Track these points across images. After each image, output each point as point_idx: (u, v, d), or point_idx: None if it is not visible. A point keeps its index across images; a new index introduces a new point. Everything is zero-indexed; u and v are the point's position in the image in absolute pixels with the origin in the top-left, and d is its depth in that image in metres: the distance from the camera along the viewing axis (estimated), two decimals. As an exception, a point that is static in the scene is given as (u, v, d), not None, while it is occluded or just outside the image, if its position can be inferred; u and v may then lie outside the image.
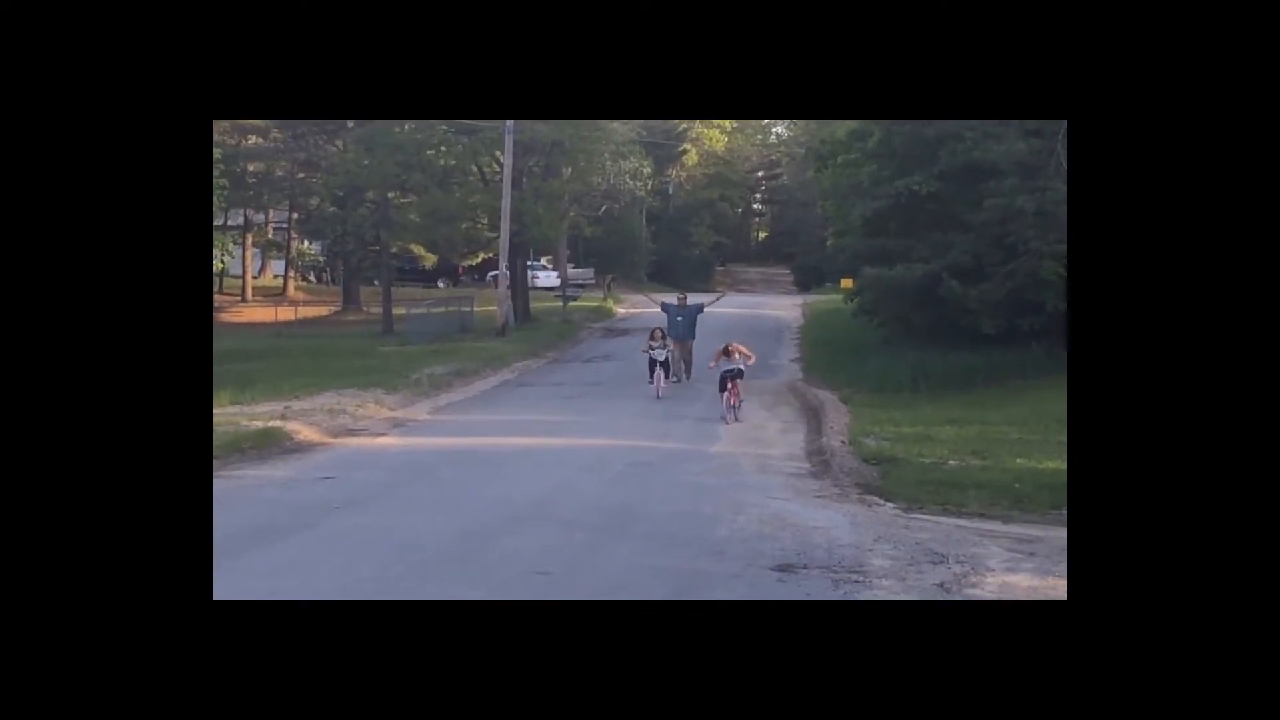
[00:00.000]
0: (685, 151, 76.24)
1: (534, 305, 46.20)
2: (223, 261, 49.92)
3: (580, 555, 9.90)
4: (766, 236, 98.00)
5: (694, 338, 25.80)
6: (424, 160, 43.15)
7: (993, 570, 9.46)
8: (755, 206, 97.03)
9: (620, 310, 49.75)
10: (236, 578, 8.08)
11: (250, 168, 51.30)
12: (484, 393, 25.36)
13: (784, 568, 9.37)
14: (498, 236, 41.27)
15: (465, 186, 45.45)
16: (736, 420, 19.76)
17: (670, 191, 73.40)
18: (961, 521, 11.74)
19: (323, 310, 53.33)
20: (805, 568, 9.39)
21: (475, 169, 45.02)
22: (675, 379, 24.80)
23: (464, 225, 46.88)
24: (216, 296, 49.09)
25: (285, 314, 49.44)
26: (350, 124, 43.26)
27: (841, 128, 31.86)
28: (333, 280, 62.01)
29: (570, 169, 44.92)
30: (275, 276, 62.86)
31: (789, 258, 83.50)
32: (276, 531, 10.49)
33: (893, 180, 27.19)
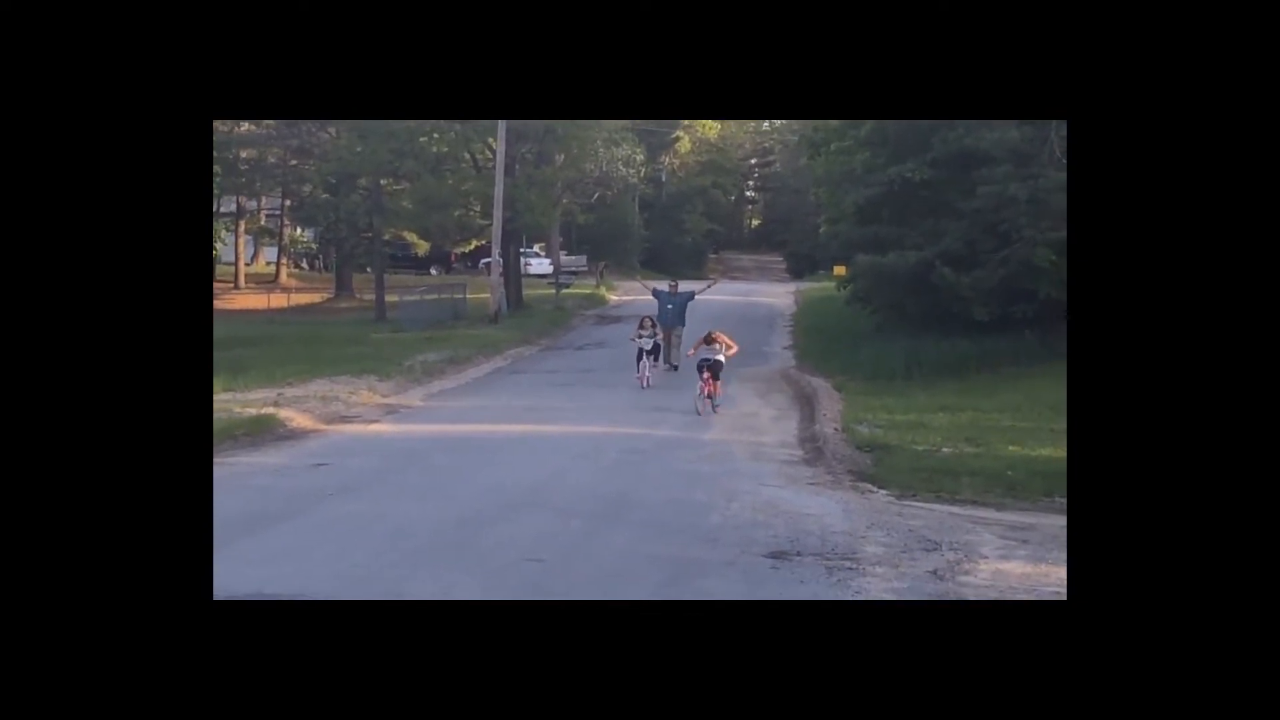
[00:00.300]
0: (678, 139, 76.16)
1: (527, 292, 46.15)
2: (216, 248, 49.83)
3: (575, 542, 9.91)
4: (759, 224, 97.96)
5: (684, 325, 25.77)
6: (417, 147, 43.08)
7: (986, 557, 9.49)
8: (748, 194, 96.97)
9: (613, 297, 49.75)
10: (230, 565, 8.07)
11: (243, 154, 51.15)
12: (477, 380, 25.34)
13: (777, 555, 9.39)
14: (490, 223, 41.23)
15: (458, 173, 45.40)
16: (712, 412, 19.10)
17: (663, 179, 73.35)
18: (955, 509, 11.77)
19: (315, 297, 53.25)
20: (798, 555, 9.41)
21: (468, 156, 44.95)
22: (669, 366, 24.80)
23: (457, 212, 46.86)
24: (209, 284, 48.89)
25: (278, 301, 49.28)
26: (343, 110, 43.08)
27: (835, 115, 31.86)
28: (325, 267, 61.91)
29: (563, 156, 44.85)
30: (268, 263, 62.70)
31: (782, 245, 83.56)
32: (269, 518, 10.49)
33: (886, 168, 27.19)
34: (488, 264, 46.11)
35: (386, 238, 49.00)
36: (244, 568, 8.38)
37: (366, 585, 8.20)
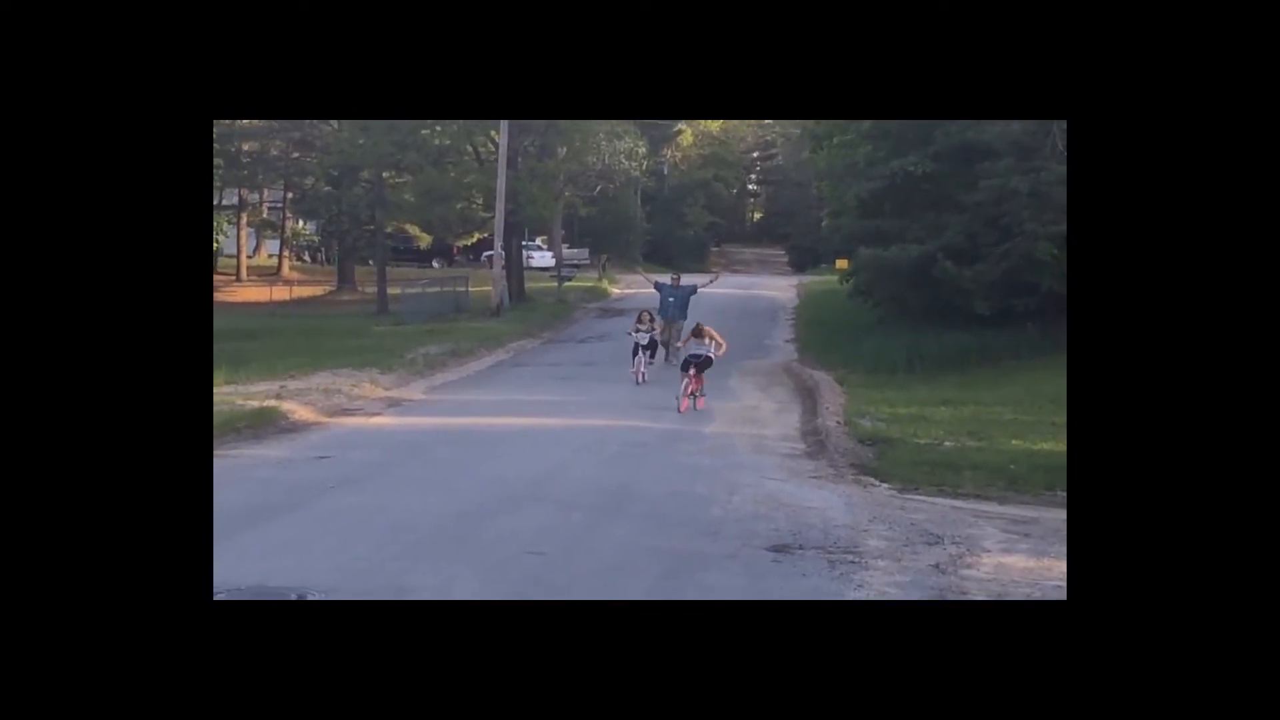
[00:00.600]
0: (680, 132, 76.17)
1: (529, 285, 46.16)
2: (217, 241, 49.85)
3: (576, 536, 9.90)
4: (761, 217, 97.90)
5: (685, 318, 25.66)
6: (419, 140, 43.12)
7: (988, 551, 9.48)
8: (750, 187, 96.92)
9: (615, 290, 49.75)
10: (231, 559, 8.08)
11: (245, 147, 51.20)
12: (479, 373, 25.35)
13: (779, 548, 9.38)
14: (492, 216, 41.26)
15: (460, 166, 45.42)
16: (695, 409, 18.69)
17: (665, 172, 73.35)
18: (957, 502, 11.77)
19: (317, 290, 53.26)
20: (800, 548, 9.40)
21: (470, 149, 44.96)
22: (667, 359, 24.74)
23: (459, 205, 46.92)
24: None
25: (280, 294, 49.35)
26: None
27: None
28: (327, 260, 61.93)
29: (565, 149, 44.86)
30: (270, 256, 62.72)
31: (784, 238, 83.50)
32: (271, 511, 10.49)
33: (888, 161, 27.17)
34: (490, 257, 46.18)
35: (388, 230, 49.07)
36: (245, 561, 8.37)
37: (367, 578, 8.20)
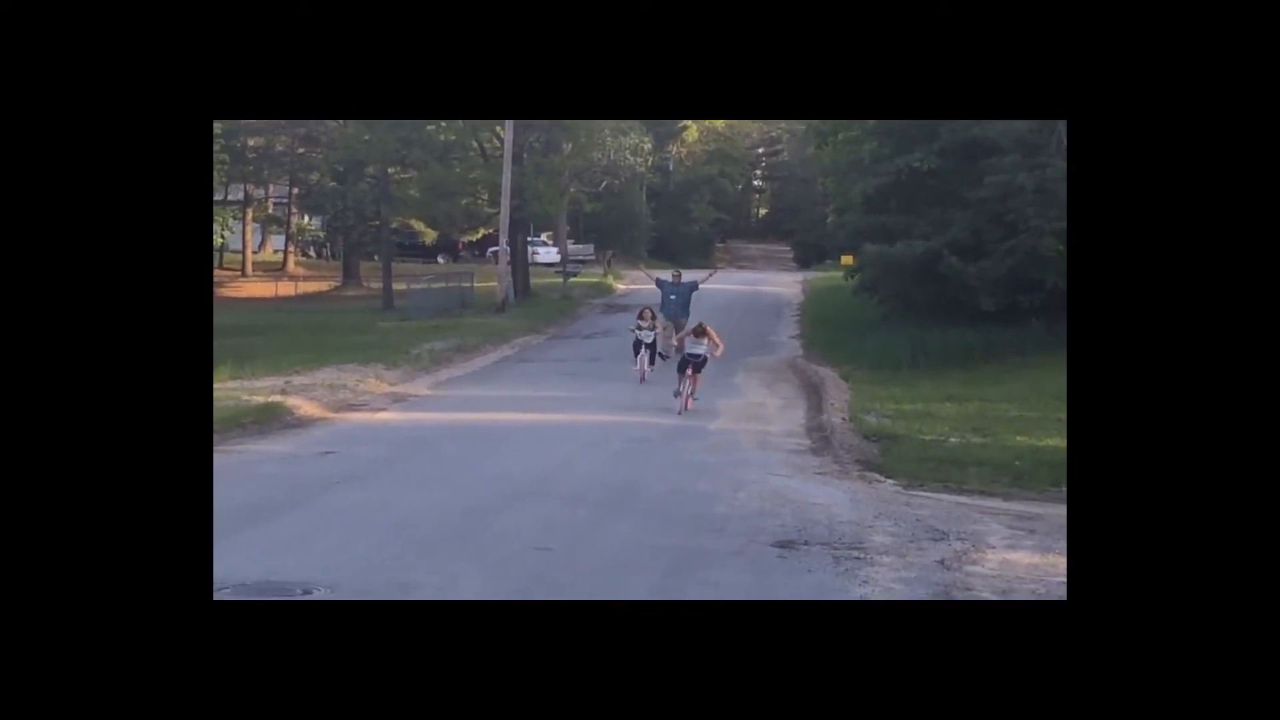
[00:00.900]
0: (685, 128, 75.99)
1: (534, 281, 46.18)
2: (223, 236, 49.89)
3: (580, 532, 9.90)
4: (767, 213, 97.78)
5: (688, 315, 25.45)
6: (424, 135, 43.12)
7: (993, 547, 9.48)
8: (756, 183, 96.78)
9: (620, 286, 49.70)
10: (234, 555, 8.08)
11: (250, 142, 51.26)
12: (484, 368, 25.35)
13: (784, 544, 9.38)
14: (498, 212, 41.26)
15: (465, 162, 45.42)
16: (688, 409, 18.12)
17: (670, 167, 73.29)
18: (962, 498, 11.77)
19: (323, 285, 53.34)
20: (806, 544, 9.40)
21: (475, 144, 44.94)
22: (664, 356, 24.62)
23: (464, 201, 46.90)
24: (216, 272, 49.05)
25: (285, 289, 49.43)
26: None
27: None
28: (333, 255, 61.97)
29: (571, 145, 44.85)
30: (275, 251, 62.81)
31: (789, 234, 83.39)
32: (276, 507, 10.49)
33: (893, 157, 27.13)
34: (495, 253, 46.17)
35: (394, 226, 49.08)
36: (248, 558, 8.38)
37: (371, 575, 8.20)
